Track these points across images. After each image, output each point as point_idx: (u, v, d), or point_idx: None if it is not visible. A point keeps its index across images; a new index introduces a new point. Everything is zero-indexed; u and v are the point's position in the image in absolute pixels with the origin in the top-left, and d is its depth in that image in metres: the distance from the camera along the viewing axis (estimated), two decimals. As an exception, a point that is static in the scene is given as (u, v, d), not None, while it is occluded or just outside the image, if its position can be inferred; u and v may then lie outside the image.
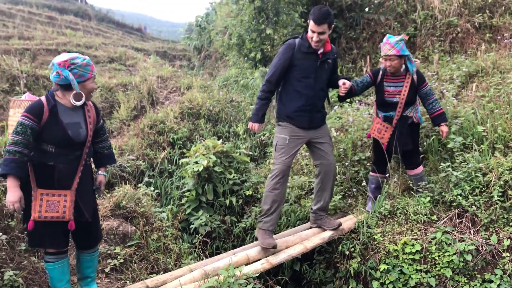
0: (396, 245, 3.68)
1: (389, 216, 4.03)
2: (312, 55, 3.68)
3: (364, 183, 4.69)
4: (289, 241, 3.92)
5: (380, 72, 4.21)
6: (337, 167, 5.06)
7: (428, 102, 4.14)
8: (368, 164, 4.87)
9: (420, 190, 4.08)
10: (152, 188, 4.90)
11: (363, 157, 4.92)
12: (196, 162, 4.92)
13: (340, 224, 3.94)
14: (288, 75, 3.72)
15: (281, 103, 3.82)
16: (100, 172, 3.12)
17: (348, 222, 4.18)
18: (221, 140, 5.63)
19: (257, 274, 3.21)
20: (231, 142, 6.60)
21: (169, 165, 6.31)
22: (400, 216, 3.94)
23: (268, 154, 6.48)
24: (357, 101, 6.58)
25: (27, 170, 2.64)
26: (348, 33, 8.16)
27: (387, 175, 4.47)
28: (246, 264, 3.46)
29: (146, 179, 5.84)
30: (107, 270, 3.43)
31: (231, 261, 3.39)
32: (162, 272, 3.53)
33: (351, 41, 8.09)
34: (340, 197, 4.65)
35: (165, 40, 29.65)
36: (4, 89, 6.69)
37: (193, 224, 4.59)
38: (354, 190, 4.79)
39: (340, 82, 3.84)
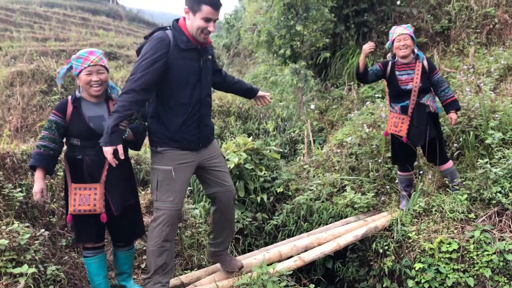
0: (431, 243, 3.60)
1: (424, 214, 3.95)
2: (192, 52, 2.76)
3: (397, 180, 4.61)
4: (321, 238, 3.90)
5: (389, 63, 4.17)
6: (370, 163, 5.01)
7: (440, 89, 4.05)
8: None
9: (456, 187, 3.98)
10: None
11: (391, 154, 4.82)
12: (228, 160, 4.96)
13: (242, 266, 3.22)
14: (163, 83, 2.71)
15: (157, 121, 2.79)
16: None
17: (381, 219, 4.13)
18: (251, 137, 5.65)
19: (290, 272, 3.21)
20: (261, 139, 6.62)
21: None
22: (436, 214, 3.85)
23: (298, 151, 6.46)
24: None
25: (53, 163, 2.81)
26: (379, 27, 8.01)
27: (418, 172, 4.38)
28: (279, 261, 3.47)
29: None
30: (142, 266, 3.52)
31: (264, 258, 3.40)
32: (196, 269, 3.59)
33: (382, 35, 7.93)
34: (373, 194, 4.59)
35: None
36: (43, 89, 6.94)
37: (225, 221, 4.62)
38: (388, 187, 4.71)
39: (258, 101, 3.42)
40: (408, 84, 4.03)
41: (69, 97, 2.87)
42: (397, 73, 4.10)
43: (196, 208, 4.58)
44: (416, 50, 4.08)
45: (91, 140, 2.78)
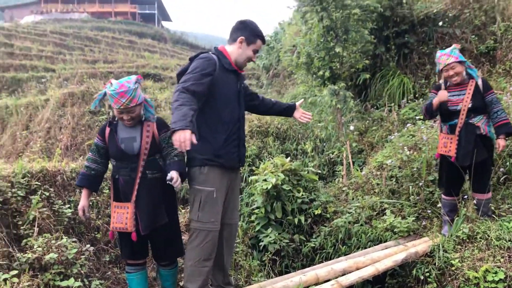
0: (476, 272, 3.46)
1: (468, 240, 3.81)
2: (233, 75, 3.00)
3: (439, 205, 4.48)
4: (360, 263, 3.84)
5: (442, 85, 4.08)
6: (410, 187, 4.91)
7: (492, 111, 3.88)
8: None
9: (483, 218, 3.87)
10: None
11: (438, 177, 4.70)
12: (265, 180, 5.00)
13: None
14: (209, 99, 2.85)
15: (201, 140, 2.79)
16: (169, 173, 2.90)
17: (422, 245, 4.02)
18: (289, 158, 5.67)
19: (327, 295, 3.17)
20: (299, 160, 6.63)
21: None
22: (481, 241, 3.71)
23: (337, 172, 6.41)
24: (431, 118, 6.34)
25: (95, 183, 3.06)
26: (421, 48, 7.90)
27: (462, 197, 4.23)
28: (316, 284, 3.45)
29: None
30: (181, 283, 3.59)
31: (301, 280, 3.39)
32: (232, 288, 3.62)
33: (423, 56, 7.82)
34: (413, 218, 4.48)
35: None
36: (92, 110, 7.30)
37: (263, 241, 4.65)
38: (429, 211, 4.59)
39: (297, 114, 3.37)
40: (458, 104, 3.93)
41: (108, 121, 3.07)
42: (448, 94, 4.00)
43: (234, 228, 4.62)
44: (469, 68, 3.96)
45: (124, 161, 2.94)
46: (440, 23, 7.76)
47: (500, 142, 3.85)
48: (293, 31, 14.01)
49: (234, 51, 2.98)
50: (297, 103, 3.45)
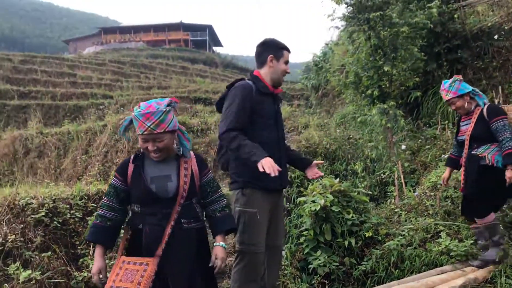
0: (543, 300, 3.22)
1: (532, 266, 3.56)
2: (270, 97, 3.03)
3: (501, 227, 4.21)
4: (413, 288, 3.69)
5: (459, 116, 4.03)
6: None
7: (499, 140, 3.62)
8: (505, 206, 4.39)
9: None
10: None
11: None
12: (313, 201, 4.96)
13: None
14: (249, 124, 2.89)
15: (242, 162, 2.83)
16: (216, 243, 2.48)
17: (482, 271, 3.79)
18: (338, 179, 5.60)
19: (378, 321, 3.07)
20: (349, 181, 6.52)
21: (287, 203, 6.45)
22: (547, 267, 3.45)
23: (388, 193, 6.23)
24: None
25: (111, 236, 2.43)
26: (475, 63, 7.61)
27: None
28: (366, 310, 3.34)
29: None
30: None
31: (350, 305, 3.30)
32: (281, 311, 3.58)
33: (478, 72, 7.52)
34: (471, 241, 4.25)
35: (284, 81, 30.87)
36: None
37: (312, 264, 4.58)
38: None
39: (310, 172, 3.18)
40: (464, 134, 3.82)
41: (132, 156, 2.49)
42: (461, 124, 3.95)
43: (283, 250, 4.60)
44: (477, 96, 3.80)
45: (153, 206, 2.36)
46: (496, 37, 7.46)
47: (507, 174, 3.53)
48: (341, 50, 13.97)
49: (268, 72, 3.02)
50: (315, 162, 3.30)
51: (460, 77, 3.88)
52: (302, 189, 5.90)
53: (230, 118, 2.79)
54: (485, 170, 3.66)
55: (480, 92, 3.88)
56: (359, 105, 9.22)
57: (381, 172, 6.76)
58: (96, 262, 2.37)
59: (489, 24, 7.72)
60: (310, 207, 4.89)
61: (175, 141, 2.45)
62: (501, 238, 3.86)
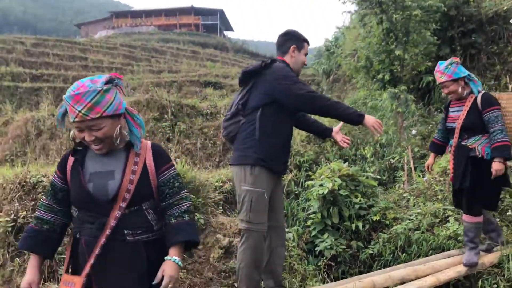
0: (550, 285, 3.20)
1: (541, 251, 3.53)
2: None
3: (509, 212, 4.19)
4: (419, 271, 3.69)
5: (449, 101, 3.82)
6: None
7: (489, 132, 3.47)
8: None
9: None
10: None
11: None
12: (321, 185, 4.96)
13: None
14: (279, 103, 2.93)
15: (260, 139, 2.87)
16: (167, 257, 1.89)
17: (489, 255, 3.78)
18: (347, 163, 5.59)
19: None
20: (358, 165, 6.50)
21: (296, 187, 6.47)
22: (556, 252, 3.43)
23: (398, 178, 6.21)
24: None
25: (48, 243, 1.94)
26: (490, 47, 7.47)
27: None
28: (372, 291, 3.36)
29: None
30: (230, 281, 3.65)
31: (356, 286, 3.33)
32: (286, 291, 3.62)
33: (493, 56, 7.38)
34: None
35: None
36: (155, 117, 7.70)
37: (318, 246, 4.61)
38: (498, 219, 4.30)
39: (339, 137, 3.25)
40: (454, 121, 3.64)
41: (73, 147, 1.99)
42: (450, 110, 3.76)
43: (290, 232, 4.64)
44: (471, 82, 3.61)
45: (90, 211, 1.86)
46: (511, 21, 7.30)
47: (493, 166, 3.39)
48: (353, 35, 13.80)
49: (290, 61, 3.10)
50: (337, 127, 3.38)
51: (458, 59, 3.67)
52: (310, 173, 5.91)
53: (306, 86, 2.93)
54: (474, 162, 3.53)
55: (476, 78, 3.68)
56: (370, 90, 9.13)
57: (390, 157, 6.72)
58: (27, 274, 1.86)
59: (505, 7, 7.55)
60: (318, 191, 4.90)
61: (119, 129, 1.90)
62: (479, 241, 3.77)
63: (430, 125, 7.16)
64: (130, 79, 14.21)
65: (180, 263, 1.88)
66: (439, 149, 4.02)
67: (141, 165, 1.93)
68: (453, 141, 3.66)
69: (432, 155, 4.10)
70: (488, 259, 3.70)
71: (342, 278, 4.23)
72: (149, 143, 2.04)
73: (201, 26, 50.57)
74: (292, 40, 3.11)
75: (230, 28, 58.99)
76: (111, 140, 1.87)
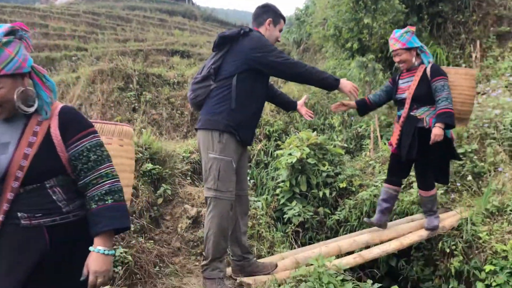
0: (505, 245, 3.36)
1: (497, 213, 3.70)
2: None
3: (470, 178, 4.34)
4: (383, 235, 3.80)
5: (398, 73, 3.83)
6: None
7: (436, 100, 3.49)
8: (475, 157, 4.49)
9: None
10: (248, 178, 5.09)
11: (469, 150, 4.54)
12: (290, 154, 4.99)
13: (276, 266, 3.16)
14: (256, 72, 2.89)
15: (235, 107, 2.83)
16: (91, 247, 1.61)
17: (450, 219, 3.93)
18: (315, 132, 5.62)
19: (348, 267, 3.17)
20: (326, 134, 6.56)
21: (265, 156, 6.48)
22: (511, 214, 3.59)
23: (364, 146, 6.31)
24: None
25: None
26: (456, 17, 7.55)
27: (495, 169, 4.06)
28: (338, 256, 3.44)
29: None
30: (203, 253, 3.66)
31: (322, 251, 3.39)
32: (255, 258, 3.66)
33: (458, 26, 7.47)
34: (442, 191, 4.37)
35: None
36: (120, 86, 7.46)
37: (287, 214, 4.67)
38: (458, 184, 4.45)
39: (303, 110, 3.29)
40: (405, 92, 3.64)
41: None
42: (400, 81, 3.75)
43: (259, 201, 4.67)
44: (422, 54, 3.65)
45: None
46: (477, -11, 7.38)
47: (433, 131, 3.40)
48: (323, 4, 13.65)
49: (264, 33, 3.06)
50: (301, 100, 3.40)
51: (413, 29, 3.64)
52: (279, 142, 5.93)
53: (283, 53, 2.92)
54: (421, 133, 3.53)
55: (427, 50, 3.71)
56: (339, 59, 9.13)
57: (357, 125, 6.81)
58: None
59: (471, -24, 7.61)
60: (287, 160, 4.93)
61: (21, 90, 1.58)
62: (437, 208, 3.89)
63: (397, 94, 7.26)
64: (94, 48, 13.66)
65: (108, 252, 1.60)
66: (363, 106, 3.89)
67: (42, 135, 1.58)
68: (403, 112, 3.63)
69: (354, 103, 3.82)
70: (448, 222, 3.84)
71: (309, 244, 4.32)
72: (59, 106, 1.67)
73: (168, -7, 48.86)
74: (269, 13, 3.08)
75: (198, -4, 57.29)
76: (11, 105, 1.55)
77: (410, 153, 3.55)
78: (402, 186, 4.77)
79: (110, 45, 14.74)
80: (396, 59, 3.67)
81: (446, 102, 3.43)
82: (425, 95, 3.55)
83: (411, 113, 3.60)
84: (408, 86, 3.64)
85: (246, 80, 2.89)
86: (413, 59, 3.63)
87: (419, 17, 7.74)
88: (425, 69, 3.60)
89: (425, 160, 3.61)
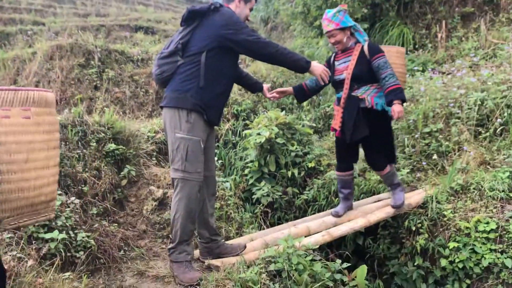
0: (468, 222, 3.44)
1: (461, 191, 3.78)
2: None
3: (435, 157, 4.41)
4: (351, 215, 3.83)
5: (332, 55, 3.76)
6: (406, 139, 4.82)
7: (381, 78, 3.41)
8: (440, 136, 4.56)
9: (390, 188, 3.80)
10: (216, 159, 4.99)
11: (435, 129, 4.60)
12: (259, 134, 4.92)
13: (245, 247, 3.16)
14: (225, 50, 2.81)
15: (204, 85, 2.76)
16: None
17: (415, 197, 3.98)
18: (284, 112, 5.56)
19: (317, 246, 3.16)
20: (294, 114, 6.51)
21: (233, 136, 6.38)
22: (474, 192, 3.68)
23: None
24: (430, 69, 6.17)
25: None
26: (422, -4, 7.59)
27: (459, 148, 4.14)
28: (306, 236, 3.43)
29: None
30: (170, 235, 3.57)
31: (291, 232, 3.37)
32: (223, 240, 3.61)
33: (425, 6, 7.50)
34: (408, 170, 4.43)
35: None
36: (81, 63, 7.09)
37: (255, 194, 4.63)
38: (424, 163, 4.52)
39: (268, 94, 3.40)
40: (343, 73, 3.56)
41: None
42: (336, 63, 3.66)
43: (227, 181, 4.59)
44: (356, 33, 3.58)
45: None
46: (443, -31, 7.40)
47: (394, 108, 3.32)
48: (291, -19, 13.47)
49: (234, 10, 2.95)
50: (265, 86, 3.40)
51: (345, 7, 3.56)
52: (248, 122, 5.83)
53: (254, 32, 2.84)
54: (364, 113, 3.48)
55: (361, 29, 3.63)
56: (307, 38, 9.05)
57: (326, 105, 6.79)
58: None
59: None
60: (256, 139, 4.85)
61: None
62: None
63: (364, 73, 7.27)
64: (53, 22, 12.98)
65: None
66: (301, 92, 3.77)
67: None
68: (343, 93, 3.55)
69: (291, 89, 3.76)
70: (414, 200, 3.90)
71: (278, 224, 4.31)
72: None
73: (131, -34, 47.04)
74: None
75: (163, -30, 55.51)
76: None
77: (355, 135, 3.50)
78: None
79: (70, 20, 14.04)
80: (331, 40, 3.55)
81: (394, 78, 3.37)
82: (364, 73, 3.48)
83: (352, 94, 3.53)
84: (346, 67, 3.55)
85: (216, 57, 2.79)
86: (347, 39, 3.55)
87: (387, -4, 7.72)
88: (362, 48, 3.53)
89: (372, 140, 3.56)
